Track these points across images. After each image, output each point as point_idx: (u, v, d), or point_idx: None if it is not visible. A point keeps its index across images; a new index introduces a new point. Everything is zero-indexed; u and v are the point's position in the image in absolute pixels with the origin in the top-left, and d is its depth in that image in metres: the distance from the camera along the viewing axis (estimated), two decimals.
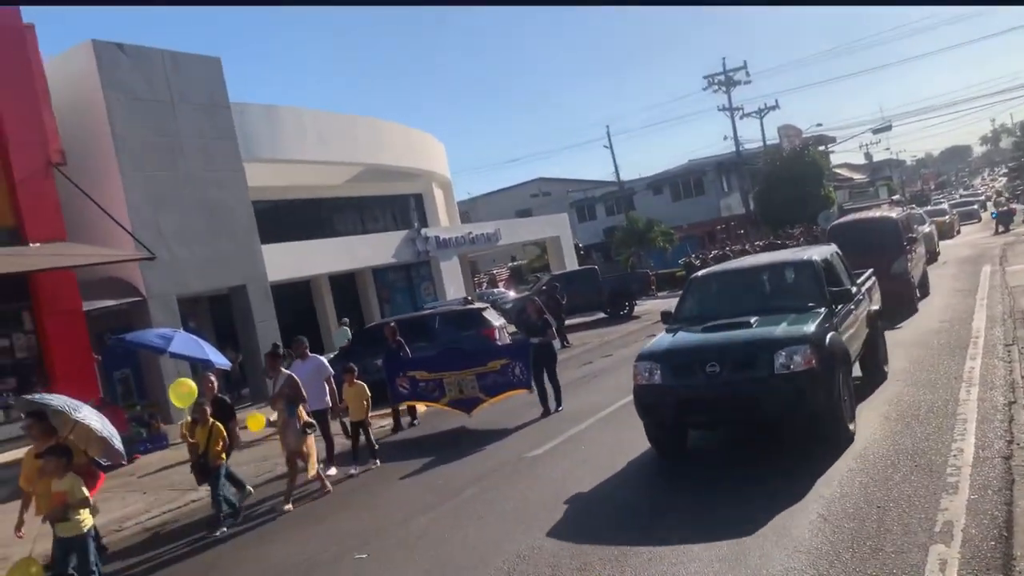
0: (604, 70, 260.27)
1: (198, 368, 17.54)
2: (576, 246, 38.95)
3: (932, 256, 24.84)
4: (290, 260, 23.27)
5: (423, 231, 28.58)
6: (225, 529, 8.74)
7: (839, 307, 8.59)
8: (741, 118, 47.60)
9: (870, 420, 8.32)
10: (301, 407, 9.69)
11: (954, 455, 6.75)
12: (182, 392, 11.70)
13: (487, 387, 12.22)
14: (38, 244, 15.74)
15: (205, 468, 9.26)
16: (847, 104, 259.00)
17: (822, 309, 8.18)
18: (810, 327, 7.61)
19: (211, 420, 9.31)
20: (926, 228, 26.39)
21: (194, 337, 15.62)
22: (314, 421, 10.01)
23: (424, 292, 31.05)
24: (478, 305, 20.06)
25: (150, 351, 15.48)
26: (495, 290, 36.91)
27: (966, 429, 7.41)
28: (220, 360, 15.51)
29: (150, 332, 15.66)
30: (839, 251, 10.44)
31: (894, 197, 19.58)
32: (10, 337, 16.07)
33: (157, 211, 18.66)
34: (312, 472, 9.57)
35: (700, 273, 10.10)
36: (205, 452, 9.22)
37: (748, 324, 7.87)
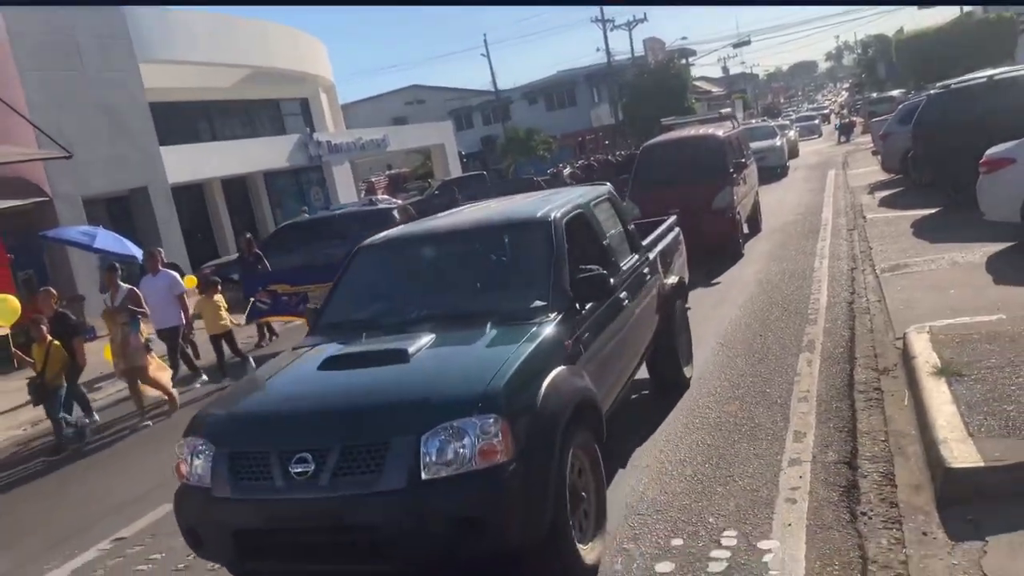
0: None
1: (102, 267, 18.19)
2: (459, 153, 40.11)
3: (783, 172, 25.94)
4: (186, 163, 23.50)
5: (315, 135, 29.04)
6: (68, 452, 8.53)
7: (589, 307, 4.89)
8: (612, 29, 49.53)
9: (748, 283, 10.41)
10: (143, 322, 9.48)
11: (812, 302, 8.90)
12: (4, 309, 10.80)
13: None
14: None
15: (43, 389, 8.78)
16: (709, 19, 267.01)
17: (554, 314, 4.53)
18: (504, 370, 3.88)
19: (48, 338, 8.76)
20: (777, 142, 26.66)
21: (114, 233, 16.18)
22: (152, 337, 9.84)
23: (313, 197, 31.60)
24: (387, 204, 21.16)
25: (75, 247, 15.95)
26: (376, 197, 37.65)
27: (820, 286, 9.61)
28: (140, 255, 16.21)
29: (72, 229, 16.07)
30: (614, 193, 6.65)
31: (722, 111, 16.49)
32: None
33: (57, 111, 18.60)
34: (169, 391, 9.44)
35: (373, 239, 5.81)
36: (43, 372, 8.72)
37: (403, 356, 4.20)
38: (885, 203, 15.10)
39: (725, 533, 4.20)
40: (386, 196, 37.55)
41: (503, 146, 43.62)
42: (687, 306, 7.26)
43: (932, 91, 14.94)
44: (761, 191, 18.49)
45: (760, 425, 5.61)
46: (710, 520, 4.36)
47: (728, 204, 12.36)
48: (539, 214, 5.33)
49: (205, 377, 10.87)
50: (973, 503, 4.01)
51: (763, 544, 4.03)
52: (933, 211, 12.72)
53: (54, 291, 9.84)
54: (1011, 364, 5.38)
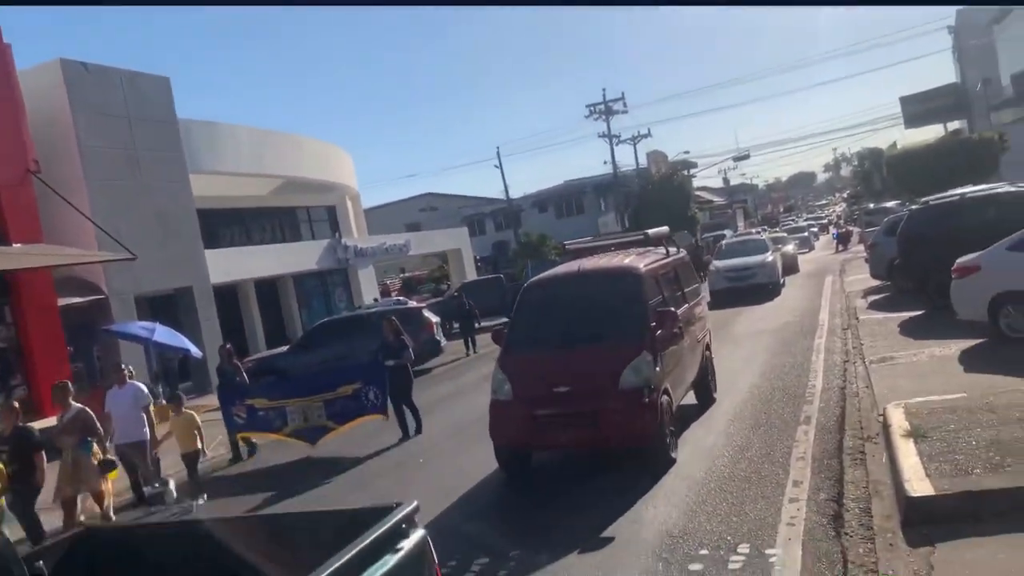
0: (492, 99, 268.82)
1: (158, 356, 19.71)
2: (474, 257, 42.07)
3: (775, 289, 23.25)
4: (224, 265, 25.22)
5: (343, 240, 30.95)
6: None
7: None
8: (618, 144, 52.19)
9: (753, 376, 11.78)
10: (97, 444, 8.80)
11: (809, 389, 10.28)
12: None
13: (336, 414, 11.19)
14: (19, 245, 17.40)
15: None
16: (709, 134, 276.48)
17: None
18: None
19: None
20: (768, 257, 24.14)
21: (170, 329, 17.71)
22: (114, 458, 9.22)
23: (337, 298, 33.30)
24: (414, 304, 22.76)
25: (134, 341, 17.43)
26: (392, 298, 39.46)
27: (816, 375, 10.99)
28: (196, 350, 17.71)
29: (134, 324, 17.63)
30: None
31: (650, 231, 10.53)
32: None
33: (117, 217, 20.41)
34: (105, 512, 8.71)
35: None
36: None
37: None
38: (875, 306, 16.58)
39: (739, 546, 5.51)
40: (400, 298, 39.44)
41: (515, 251, 45.68)
42: None
43: (914, 206, 16.63)
44: (744, 313, 19.22)
45: (765, 476, 6.94)
46: (728, 538, 5.67)
47: (645, 381, 7.75)
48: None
49: (172, 486, 9.88)
50: (927, 523, 5.31)
51: (769, 551, 5.34)
52: (917, 313, 14.17)
53: (16, 405, 9.09)
54: (965, 428, 6.73)
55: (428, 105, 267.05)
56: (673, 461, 7.74)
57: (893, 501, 5.91)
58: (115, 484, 9.44)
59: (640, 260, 9.33)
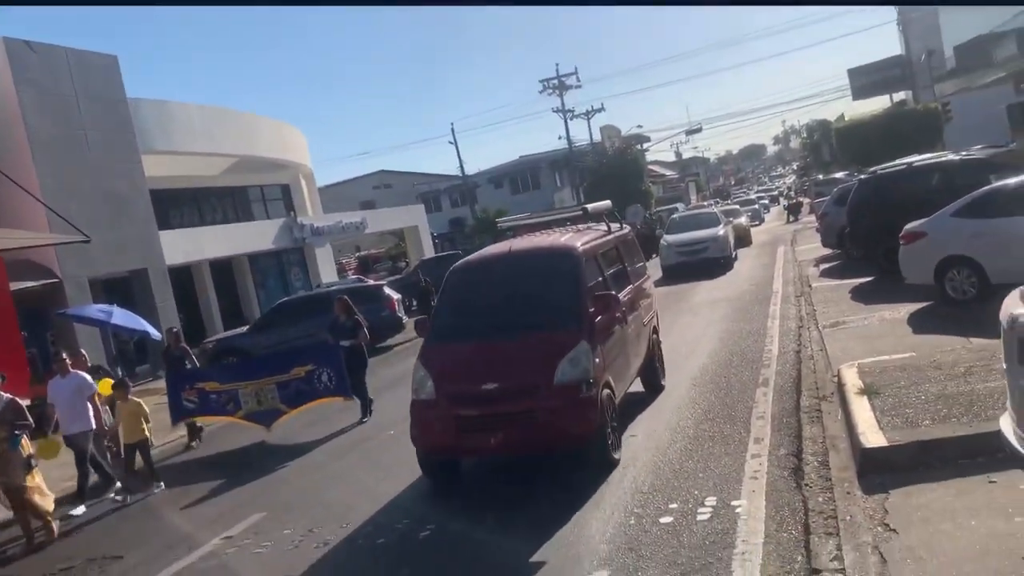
0: (446, 76, 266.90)
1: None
2: (431, 235, 42.03)
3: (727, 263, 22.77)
4: (180, 246, 24.93)
5: (299, 219, 30.73)
6: None
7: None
8: (572, 119, 52.37)
9: (712, 342, 12.12)
10: (26, 438, 8.32)
11: (766, 353, 10.62)
12: None
13: (289, 397, 11.00)
14: None
15: None
16: (661, 108, 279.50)
17: None
18: None
19: None
20: (720, 231, 23.37)
21: (128, 311, 17.51)
22: (34, 453, 8.58)
23: (294, 277, 33.09)
24: (374, 282, 22.78)
25: (92, 324, 17.20)
26: (351, 276, 39.32)
27: (772, 340, 11.35)
28: (155, 332, 17.54)
29: (91, 307, 17.37)
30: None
31: (590, 206, 9.29)
32: None
33: (69, 198, 20.04)
34: (47, 518, 8.29)
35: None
36: None
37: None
38: (827, 273, 17.09)
39: (707, 499, 5.79)
40: (357, 276, 39.31)
41: (472, 227, 45.76)
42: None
43: (863, 175, 17.12)
44: (701, 284, 19.39)
45: (728, 435, 7.25)
46: (695, 492, 5.96)
47: (584, 374, 6.95)
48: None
49: (119, 485, 9.57)
50: (881, 472, 5.63)
51: (735, 503, 5.63)
52: (867, 279, 14.66)
53: None
54: (914, 384, 7.09)
55: (381, 82, 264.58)
56: (615, 463, 6.96)
57: (849, 454, 6.23)
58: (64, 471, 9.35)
59: (577, 238, 8.55)
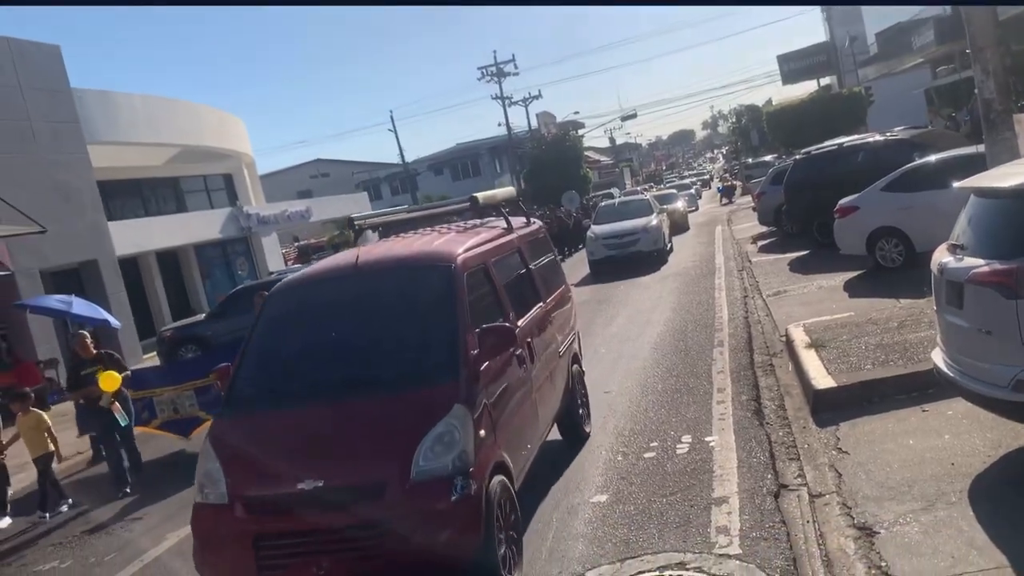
0: (384, 64, 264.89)
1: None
2: None
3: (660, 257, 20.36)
4: (128, 237, 24.87)
5: (245, 208, 30.76)
6: None
7: None
8: (510, 106, 53.04)
9: (666, 311, 12.98)
10: None
11: (718, 319, 11.53)
12: None
13: (209, 403, 9.76)
14: None
15: None
16: (596, 95, 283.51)
17: None
18: None
19: None
20: (653, 220, 20.89)
21: (87, 301, 17.60)
22: None
23: (239, 267, 33.09)
24: None
25: (52, 315, 17.25)
26: (290, 266, 39.37)
27: (722, 308, 12.28)
28: (115, 321, 17.68)
29: (50, 298, 17.39)
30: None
31: (479, 194, 7.20)
32: None
33: (16, 189, 19.90)
34: None
35: None
36: None
37: None
38: (765, 249, 18.17)
39: (683, 437, 6.60)
40: (297, 265, 39.43)
41: None
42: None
43: (797, 156, 18.23)
44: (636, 285, 17.13)
45: (693, 388, 8.09)
46: (672, 432, 6.77)
47: (459, 461, 4.53)
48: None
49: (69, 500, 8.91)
50: (831, 409, 6.50)
51: (708, 439, 6.46)
52: (804, 252, 15.72)
53: None
54: (855, 337, 8.02)
55: (317, 70, 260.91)
56: None
57: (802, 397, 7.09)
58: None
59: (458, 243, 5.89)
